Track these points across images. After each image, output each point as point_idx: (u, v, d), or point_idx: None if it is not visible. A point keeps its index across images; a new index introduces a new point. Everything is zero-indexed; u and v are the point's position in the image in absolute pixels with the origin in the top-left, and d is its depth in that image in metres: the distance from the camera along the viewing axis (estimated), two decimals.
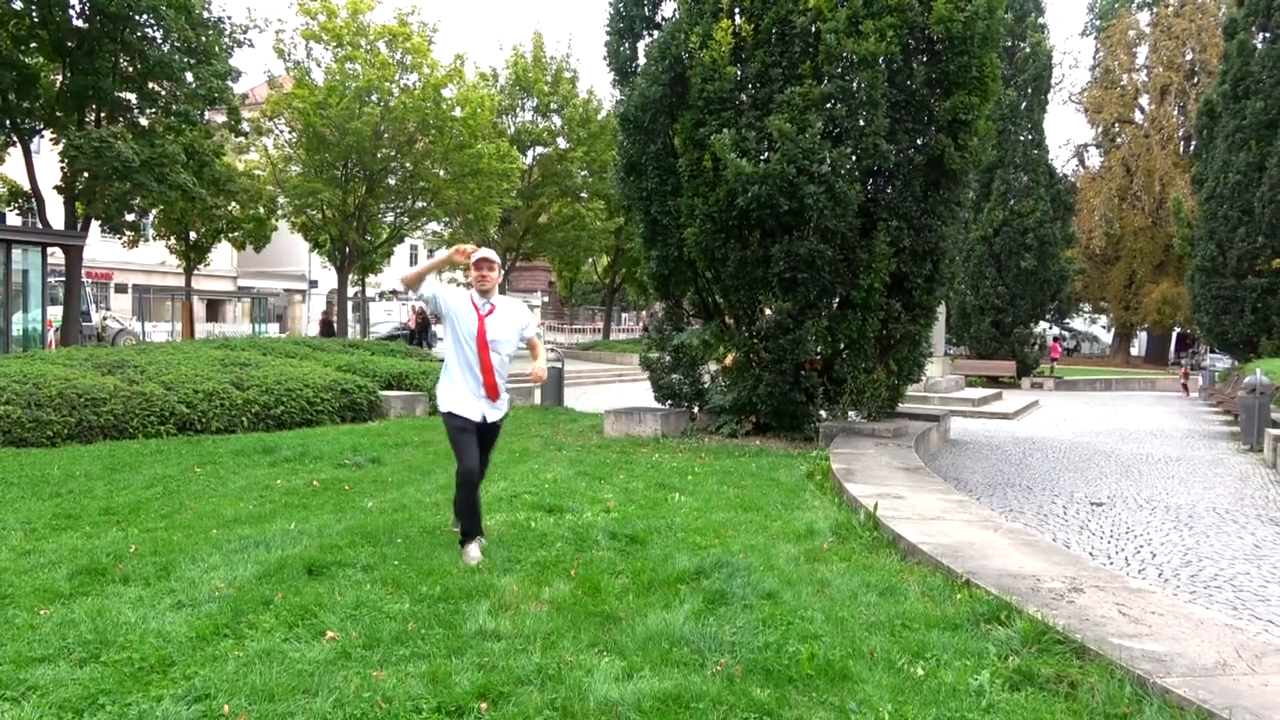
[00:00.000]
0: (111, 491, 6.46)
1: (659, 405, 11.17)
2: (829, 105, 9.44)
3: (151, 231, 26.06)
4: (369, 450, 8.41)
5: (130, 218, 21.36)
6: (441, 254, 5.52)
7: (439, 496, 6.36)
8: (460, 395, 4.85)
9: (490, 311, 4.83)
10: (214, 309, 42.93)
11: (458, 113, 25.15)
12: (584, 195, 32.75)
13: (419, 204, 27.31)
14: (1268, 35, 21.23)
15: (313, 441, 8.94)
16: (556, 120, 31.73)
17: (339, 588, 4.03)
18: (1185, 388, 26.87)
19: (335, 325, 27.53)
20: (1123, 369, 38.55)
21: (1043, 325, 31.79)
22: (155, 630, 3.48)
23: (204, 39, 18.55)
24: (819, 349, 10.02)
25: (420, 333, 26.56)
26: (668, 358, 11.02)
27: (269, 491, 6.51)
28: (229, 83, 19.46)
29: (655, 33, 10.71)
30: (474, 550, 4.67)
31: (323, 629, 3.52)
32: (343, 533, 5.04)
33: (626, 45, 10.94)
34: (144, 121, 18.82)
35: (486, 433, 5.00)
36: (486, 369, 4.82)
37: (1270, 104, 20.62)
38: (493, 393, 4.88)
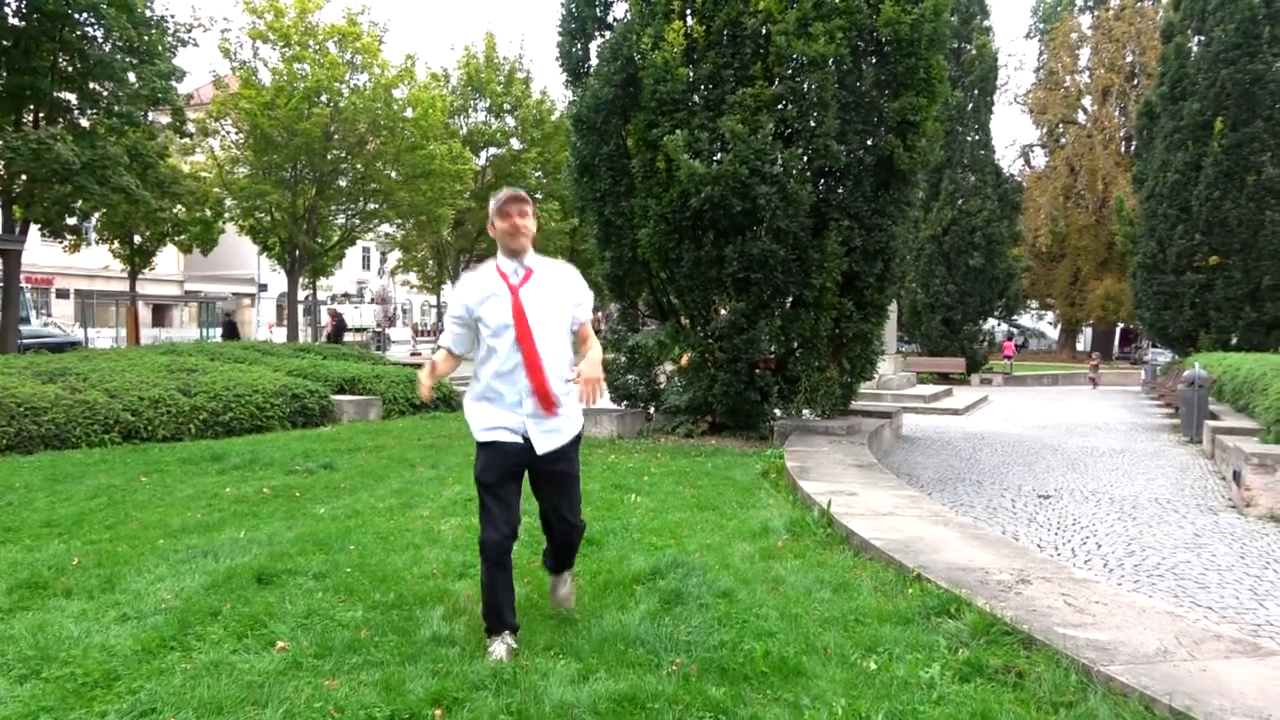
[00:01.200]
0: (53, 503, 6.29)
1: (614, 406, 11.18)
2: (780, 106, 9.52)
3: (94, 235, 25.41)
4: (321, 456, 8.29)
5: (71, 221, 20.83)
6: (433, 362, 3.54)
7: (392, 501, 6.30)
8: (489, 410, 3.37)
9: (526, 278, 3.33)
10: (160, 314, 42.03)
11: (409, 113, 24.93)
12: (538, 196, 32.64)
13: (370, 205, 27.01)
14: (1203, 39, 21.83)
15: (263, 448, 8.80)
16: (510, 121, 31.59)
17: (290, 596, 3.97)
18: (1093, 381, 27.64)
19: (238, 327, 26.93)
20: (1069, 364, 39.40)
21: (990, 322, 32.39)
22: (99, 644, 3.40)
23: (147, 38, 18.14)
24: (773, 348, 10.10)
25: (335, 336, 25.69)
26: (623, 358, 11.03)
27: (217, 500, 6.39)
28: (173, 83, 19.06)
29: (607, 34, 10.71)
30: (498, 648, 3.30)
31: (273, 639, 3.47)
32: (294, 540, 4.96)
33: (579, 46, 10.93)
34: (85, 122, 18.33)
35: (542, 471, 3.43)
36: (533, 365, 3.28)
37: (1205, 105, 21.20)
38: (546, 401, 3.32)
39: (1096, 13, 43.05)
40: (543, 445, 3.35)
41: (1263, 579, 5.33)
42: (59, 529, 5.50)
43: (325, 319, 31.03)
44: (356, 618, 3.72)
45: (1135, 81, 40.02)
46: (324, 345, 18.94)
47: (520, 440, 3.33)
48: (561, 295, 3.39)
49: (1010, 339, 37.37)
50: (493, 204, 3.34)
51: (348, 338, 29.38)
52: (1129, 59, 40.72)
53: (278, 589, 4.10)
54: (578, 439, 3.50)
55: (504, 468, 3.33)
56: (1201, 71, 21.37)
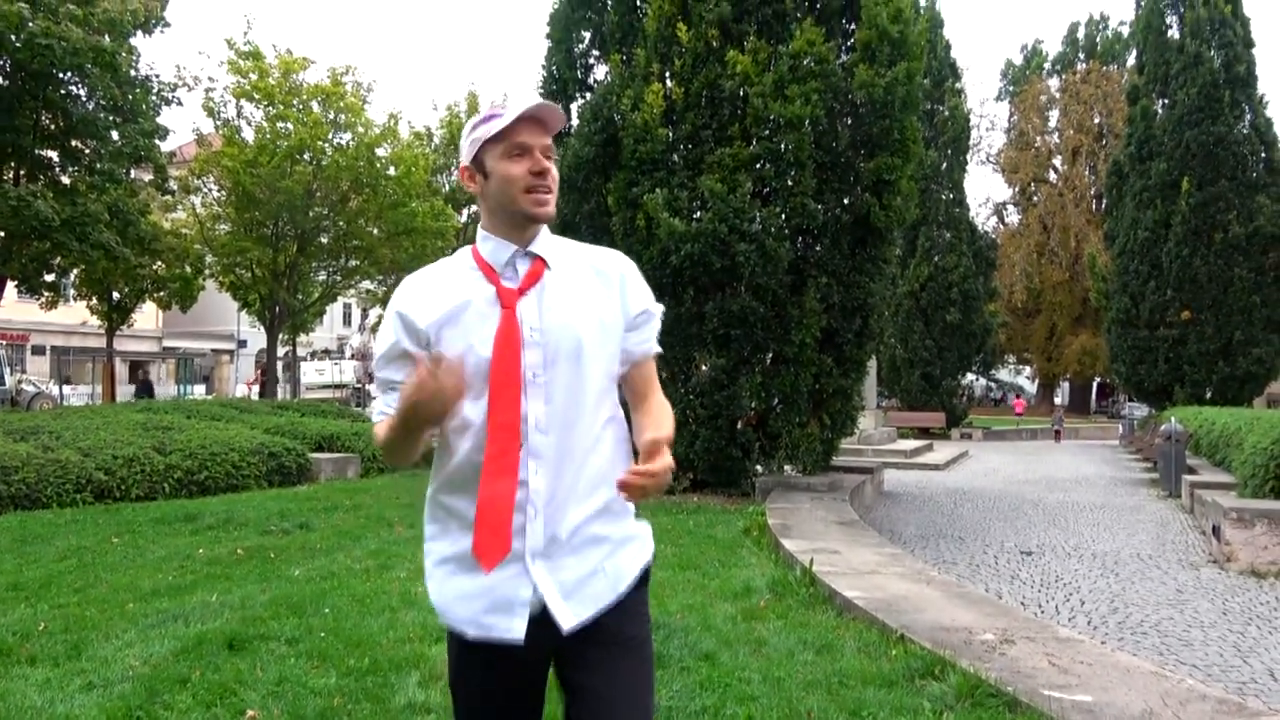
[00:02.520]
0: (21, 565, 6.14)
1: None
2: (758, 166, 9.68)
3: (72, 292, 25.28)
4: (297, 515, 8.17)
5: (49, 278, 20.72)
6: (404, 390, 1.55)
7: (369, 562, 6.20)
8: (456, 563, 1.64)
9: (532, 279, 1.67)
10: (138, 370, 41.62)
11: (391, 171, 25.13)
12: None
13: (352, 262, 27.06)
14: (1166, 101, 22.51)
15: (238, 507, 8.66)
16: None
17: (261, 663, 3.88)
18: (1058, 434, 28.05)
19: (153, 387, 26.65)
20: (1047, 418, 39.69)
21: (969, 376, 32.69)
22: (63, 714, 3.29)
23: (130, 97, 18.26)
24: (753, 404, 10.11)
25: (265, 392, 25.13)
26: None
27: (190, 561, 6.26)
28: (156, 141, 19.15)
29: (588, 95, 10.90)
30: None
31: (243, 707, 3.37)
32: (266, 604, 4.86)
33: (560, 106, 11.10)
34: (66, 180, 18.36)
35: (577, 659, 1.64)
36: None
37: (1172, 166, 21.78)
38: (565, 529, 1.62)
39: (1064, 76, 44.33)
40: (575, 612, 1.61)
41: (1246, 635, 5.31)
42: (26, 592, 5.36)
43: (254, 374, 30.76)
44: (330, 684, 3.63)
45: (1104, 142, 41.07)
46: (300, 402, 18.79)
47: (523, 627, 1.59)
48: (601, 310, 1.68)
49: (1019, 396, 38.26)
50: (482, 128, 1.66)
51: (326, 394, 29.19)
52: (1097, 120, 41.85)
53: (249, 655, 4.00)
54: (645, 579, 1.78)
55: (500, 690, 1.68)
56: (1167, 133, 21.99)
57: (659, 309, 1.80)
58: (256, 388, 26.54)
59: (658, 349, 1.81)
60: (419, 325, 1.63)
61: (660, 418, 1.72)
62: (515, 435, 1.58)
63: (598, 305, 1.70)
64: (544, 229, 1.72)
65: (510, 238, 1.68)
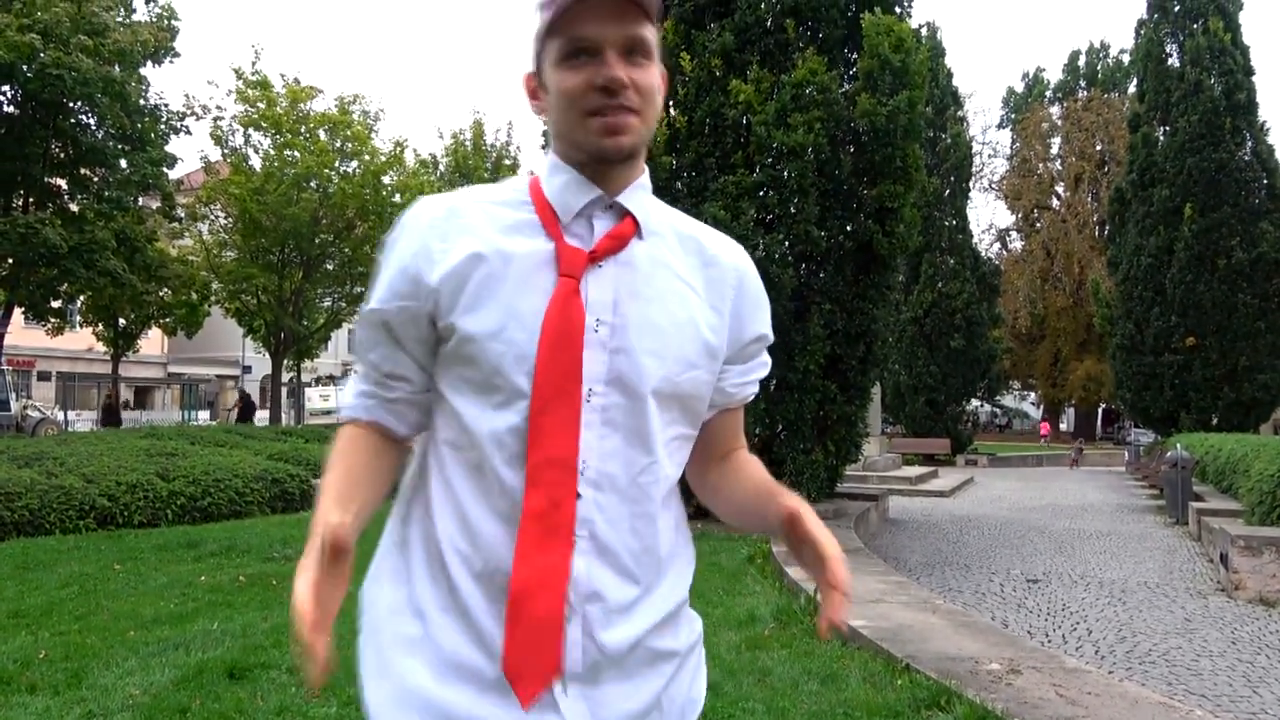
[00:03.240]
0: (22, 592, 6.12)
1: None
2: (761, 193, 9.73)
3: (78, 318, 25.42)
4: (299, 542, 8.08)
5: (56, 304, 20.84)
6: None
7: None
8: (425, 639, 1.09)
9: (613, 245, 1.08)
10: (142, 396, 41.73)
11: (397, 199, 25.32)
12: None
13: (357, 289, 27.20)
14: (1168, 128, 22.61)
15: (240, 534, 8.64)
16: None
17: (262, 691, 3.85)
18: (1074, 461, 28.07)
19: (118, 411, 26.70)
20: (1052, 445, 39.55)
21: (974, 402, 32.65)
22: None
23: (139, 126, 18.49)
24: (757, 430, 10.09)
25: (243, 417, 24.57)
26: None
27: (191, 588, 6.24)
28: (164, 169, 19.35)
29: None
30: None
31: None
32: (268, 632, 4.84)
33: None
34: (74, 207, 18.53)
35: None
36: (557, 486, 1.02)
37: (1174, 192, 21.83)
38: (620, 613, 1.05)
39: (1065, 103, 44.61)
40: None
41: (1255, 665, 5.26)
42: (27, 619, 5.34)
43: (234, 400, 30.81)
44: (330, 714, 3.60)
45: (1106, 168, 41.26)
46: (305, 428, 18.80)
47: None
48: (704, 318, 1.14)
49: (1045, 421, 38.35)
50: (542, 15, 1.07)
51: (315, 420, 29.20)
52: (1099, 147, 42.06)
53: (250, 683, 3.97)
54: (699, 662, 1.22)
55: None
56: (1169, 160, 22.07)
57: (772, 338, 1.23)
58: (235, 412, 26.54)
59: (756, 387, 1.25)
60: (427, 278, 1.06)
61: (775, 484, 1.18)
62: (572, 479, 1.02)
63: (700, 311, 1.13)
64: (644, 175, 1.14)
65: (591, 177, 1.09)
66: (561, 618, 1.02)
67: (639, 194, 1.13)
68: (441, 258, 1.06)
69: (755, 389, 1.25)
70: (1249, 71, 22.31)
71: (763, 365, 1.25)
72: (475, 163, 31.56)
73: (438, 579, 1.08)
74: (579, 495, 1.03)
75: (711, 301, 1.15)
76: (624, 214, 1.10)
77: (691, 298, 1.13)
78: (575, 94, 1.05)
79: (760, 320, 1.21)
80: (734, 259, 1.19)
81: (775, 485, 1.16)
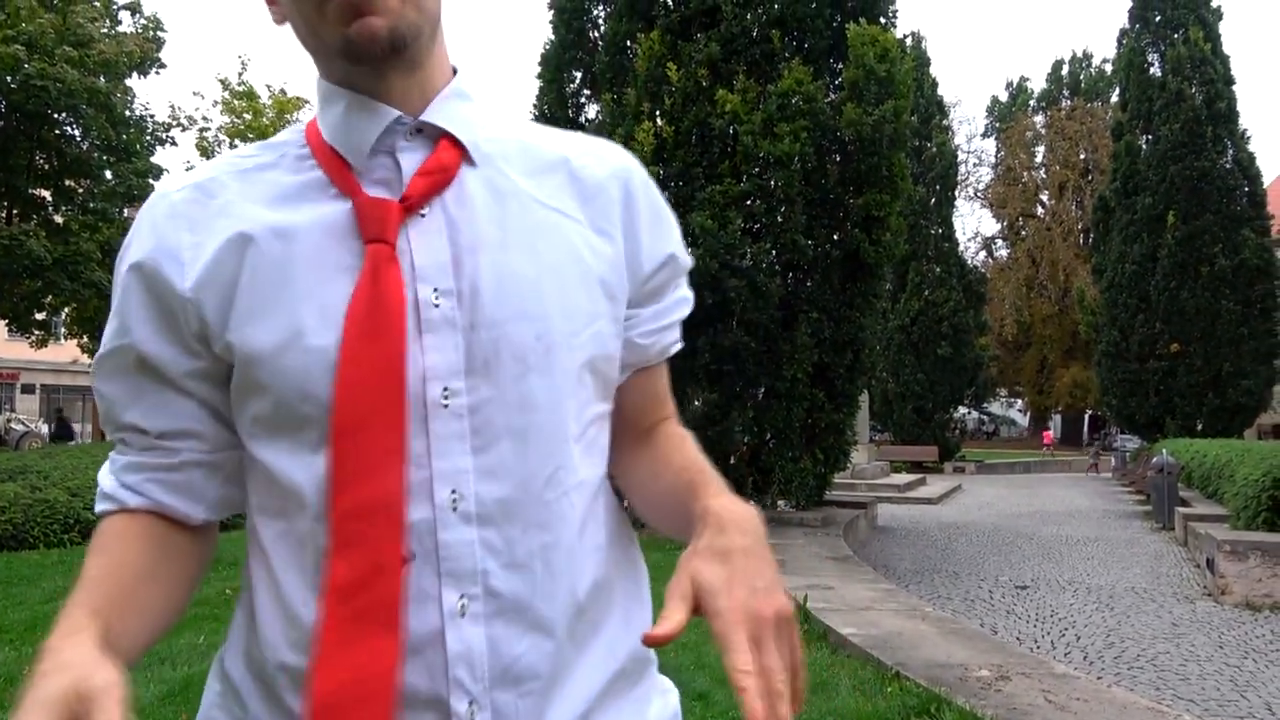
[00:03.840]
0: (5, 607, 6.06)
1: None
2: (748, 202, 9.77)
3: (63, 330, 25.24)
4: None
5: (40, 316, 20.70)
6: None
7: None
8: None
9: (433, 183, 0.76)
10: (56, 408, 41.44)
11: None
12: None
13: None
14: (1150, 137, 22.83)
15: (227, 547, 8.50)
16: None
17: None
18: (1095, 466, 28.14)
19: (69, 424, 26.54)
20: (1039, 451, 39.75)
21: (961, 409, 32.78)
22: None
23: (125, 137, 18.42)
24: (746, 439, 10.11)
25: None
26: None
27: None
28: (150, 180, 19.27)
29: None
30: None
31: None
32: None
33: None
34: (59, 219, 18.44)
35: None
36: (379, 539, 0.70)
37: (1157, 200, 22.02)
38: (547, 693, 0.76)
39: (1049, 112, 44.98)
40: None
41: (1242, 669, 5.29)
42: (10, 635, 5.28)
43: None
44: None
45: (1089, 177, 41.58)
46: None
47: None
48: (585, 254, 0.82)
49: (1047, 430, 38.66)
50: None
51: None
52: (1082, 156, 42.40)
53: None
54: None
55: None
56: (1151, 168, 22.27)
57: (689, 263, 0.93)
58: None
59: (680, 343, 0.94)
60: (178, 286, 0.76)
61: (701, 474, 0.89)
62: (396, 528, 0.71)
63: (578, 244, 0.82)
64: (457, 80, 0.84)
65: (375, 93, 0.78)
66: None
67: (453, 104, 0.81)
68: (193, 255, 0.76)
69: (677, 337, 0.93)
70: (1229, 81, 22.55)
71: (682, 302, 0.92)
72: None
73: (275, 715, 0.76)
74: (436, 538, 0.71)
75: (595, 224, 0.83)
76: (439, 136, 0.79)
77: (565, 225, 0.81)
78: None
79: (664, 237, 0.89)
80: (615, 163, 0.87)
81: (700, 477, 0.87)
